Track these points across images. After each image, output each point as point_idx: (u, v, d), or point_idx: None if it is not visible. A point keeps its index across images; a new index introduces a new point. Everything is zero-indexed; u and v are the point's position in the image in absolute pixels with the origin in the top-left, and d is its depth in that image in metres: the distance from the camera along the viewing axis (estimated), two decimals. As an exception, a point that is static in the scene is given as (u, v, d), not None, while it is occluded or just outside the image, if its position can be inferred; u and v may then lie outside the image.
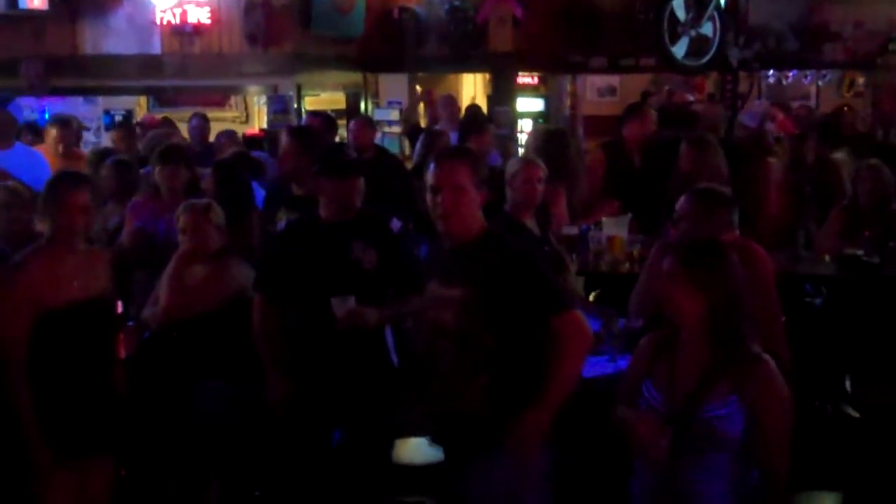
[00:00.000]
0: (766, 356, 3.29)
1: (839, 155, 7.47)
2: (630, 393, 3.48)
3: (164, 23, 10.11)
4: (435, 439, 3.89)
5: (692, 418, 3.23)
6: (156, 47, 10.27)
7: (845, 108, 10.50)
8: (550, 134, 7.12)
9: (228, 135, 8.54)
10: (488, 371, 3.58)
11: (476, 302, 3.54)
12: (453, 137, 7.98)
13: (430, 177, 3.64)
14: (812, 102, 13.81)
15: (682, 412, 3.25)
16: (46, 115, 11.42)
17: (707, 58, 9.48)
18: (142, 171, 6.55)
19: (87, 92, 11.41)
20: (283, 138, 5.71)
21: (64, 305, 3.92)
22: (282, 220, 5.33)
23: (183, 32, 10.14)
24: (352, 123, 8.42)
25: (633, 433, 3.32)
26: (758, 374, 3.24)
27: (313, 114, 7.91)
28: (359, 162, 4.70)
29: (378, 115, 12.10)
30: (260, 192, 6.10)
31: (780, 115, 12.05)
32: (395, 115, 12.38)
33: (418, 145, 8.30)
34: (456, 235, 3.65)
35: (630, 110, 7.49)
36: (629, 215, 6.39)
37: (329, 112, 9.82)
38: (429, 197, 3.64)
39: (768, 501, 3.26)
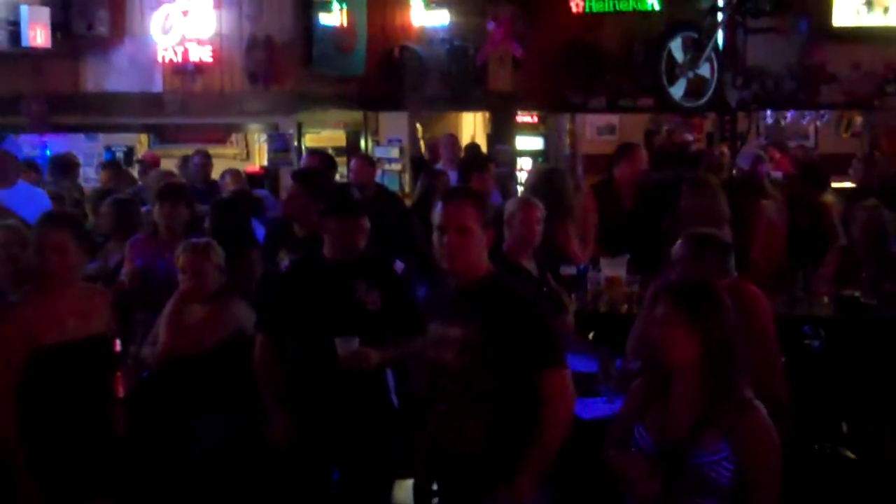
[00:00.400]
0: (758, 403, 3.29)
1: (829, 197, 7.50)
2: (621, 436, 3.49)
3: (166, 61, 10.17)
4: (421, 480, 3.87)
5: (682, 464, 3.24)
6: (157, 85, 10.32)
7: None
8: (549, 172, 7.16)
9: (233, 173, 8.57)
10: (487, 414, 3.58)
11: (479, 343, 3.55)
12: (453, 177, 8.02)
13: (436, 217, 3.66)
14: (810, 142, 13.90)
15: (672, 457, 3.26)
16: (48, 153, 11.51)
17: (705, 98, 9.53)
18: (143, 209, 6.59)
19: (88, 129, 11.48)
20: (289, 181, 5.75)
21: (58, 343, 3.91)
22: (284, 260, 5.35)
23: (185, 71, 10.19)
24: (353, 162, 8.45)
25: (623, 476, 3.35)
26: (749, 422, 3.24)
27: (312, 152, 7.93)
28: (363, 202, 4.72)
29: (378, 153, 12.16)
30: (260, 230, 6.12)
31: (778, 156, 12.14)
32: (395, 152, 12.45)
33: (418, 183, 8.34)
34: (462, 275, 3.67)
35: (620, 151, 7.53)
36: (627, 256, 6.41)
37: (328, 150, 9.88)
38: (435, 237, 3.66)
39: None
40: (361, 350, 4.19)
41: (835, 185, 11.21)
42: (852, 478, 4.27)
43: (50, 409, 3.92)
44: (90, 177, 11.59)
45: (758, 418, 3.25)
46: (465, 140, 13.08)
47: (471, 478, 3.60)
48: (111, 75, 10.34)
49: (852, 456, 4.34)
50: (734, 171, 8.49)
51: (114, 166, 10.24)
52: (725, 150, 8.82)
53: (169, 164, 10.22)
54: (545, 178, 6.86)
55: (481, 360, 3.56)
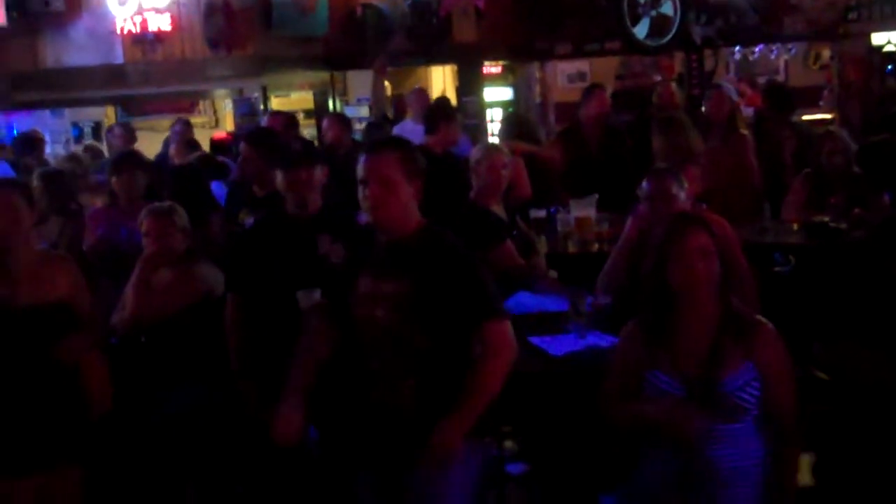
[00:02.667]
0: (765, 319, 3.40)
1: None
2: (625, 386, 3.47)
3: (125, 32, 10.06)
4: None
5: (715, 393, 3.27)
6: (118, 57, 10.22)
7: None
8: (520, 118, 7.20)
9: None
10: (419, 371, 3.49)
11: (411, 299, 3.44)
12: (421, 130, 7.96)
13: (359, 169, 3.52)
14: (780, 77, 13.89)
15: (703, 389, 3.28)
16: (14, 131, 11.40)
17: (669, 36, 9.52)
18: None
19: (51, 105, 11.37)
20: (241, 145, 5.72)
21: (13, 307, 3.83)
22: (247, 219, 5.32)
23: (144, 40, 10.09)
24: (325, 121, 8.39)
25: (664, 421, 3.31)
26: (765, 337, 3.35)
27: (274, 113, 7.87)
28: (313, 152, 4.67)
29: (348, 113, 12.07)
30: (223, 192, 6.09)
31: (749, 91, 12.14)
32: (364, 111, 12.39)
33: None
34: (387, 229, 3.54)
35: (584, 94, 7.59)
36: (596, 196, 6.41)
37: (297, 112, 9.83)
38: (360, 190, 3.52)
39: (789, 461, 3.38)
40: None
41: (807, 117, 11.26)
42: (825, 398, 4.28)
43: (9, 374, 3.85)
44: (60, 153, 11.50)
45: (770, 332, 3.37)
46: (434, 95, 13.01)
47: (403, 436, 3.51)
48: (71, 50, 10.22)
49: (824, 377, 4.35)
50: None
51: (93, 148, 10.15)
52: (674, 86, 8.76)
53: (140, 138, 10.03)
54: (517, 122, 6.90)
55: (414, 317, 3.45)
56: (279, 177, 4.47)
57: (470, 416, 3.42)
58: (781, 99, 7.74)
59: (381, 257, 3.56)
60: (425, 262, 3.45)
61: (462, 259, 3.52)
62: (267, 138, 5.79)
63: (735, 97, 8.56)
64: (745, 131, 7.29)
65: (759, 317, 3.40)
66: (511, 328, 3.52)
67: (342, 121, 8.24)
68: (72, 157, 8.60)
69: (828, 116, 11.63)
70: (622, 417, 3.47)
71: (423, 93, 10.17)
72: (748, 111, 9.84)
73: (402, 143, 3.74)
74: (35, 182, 6.25)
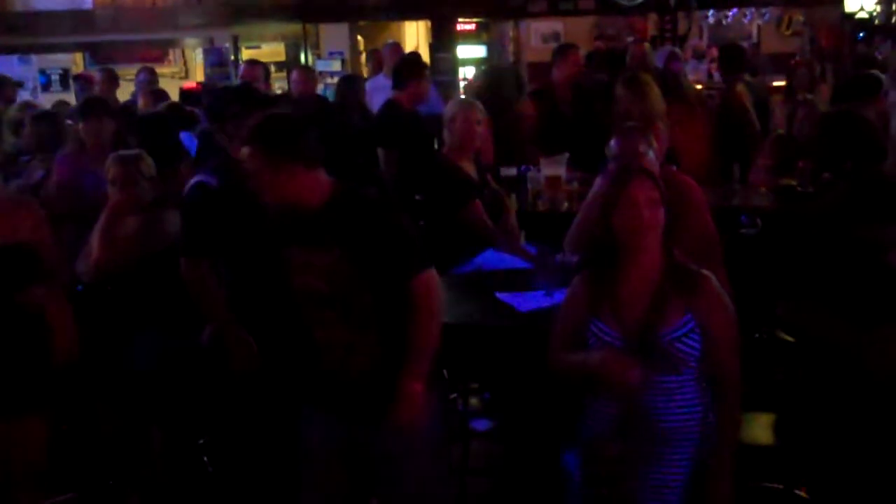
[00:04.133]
0: (708, 272, 3.39)
1: (739, 86, 7.51)
2: (571, 337, 3.49)
3: (95, -23, 9.92)
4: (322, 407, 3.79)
5: (653, 345, 3.29)
6: (87, 2, 10.08)
7: None
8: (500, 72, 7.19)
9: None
10: (371, 330, 3.50)
11: (345, 264, 3.45)
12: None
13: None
14: (753, 42, 13.90)
15: (641, 339, 3.30)
16: (-20, 77, 11.22)
17: (644, -3, 9.50)
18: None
19: (19, 50, 11.19)
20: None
21: None
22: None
23: (115, -14, 9.96)
24: (293, 73, 8.32)
25: (600, 372, 3.33)
26: (706, 289, 3.34)
27: (251, 63, 7.74)
28: (267, 101, 4.60)
29: (319, 66, 12.00)
30: (192, 143, 6.02)
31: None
32: (336, 65, 12.29)
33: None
34: (291, 206, 3.52)
35: (556, 53, 7.54)
36: (566, 155, 6.40)
37: (269, 65, 9.71)
38: None
39: (730, 414, 3.36)
40: None
41: (778, 83, 11.29)
42: (789, 360, 4.34)
43: None
44: (27, 100, 11.35)
45: (713, 285, 3.36)
46: (408, 50, 12.92)
47: (359, 397, 3.53)
48: (39, -7, 10.09)
49: (789, 339, 4.40)
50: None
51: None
52: (647, 45, 8.76)
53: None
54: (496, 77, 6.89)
55: (350, 283, 3.46)
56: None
57: (422, 371, 3.47)
58: (733, 58, 7.73)
59: (305, 227, 3.52)
60: (348, 227, 3.44)
61: (382, 216, 3.51)
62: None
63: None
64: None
65: (701, 269, 3.39)
66: (436, 276, 3.54)
67: (310, 75, 8.18)
68: (61, 103, 8.46)
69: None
70: (565, 368, 3.49)
71: (397, 47, 10.11)
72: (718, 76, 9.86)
73: (259, 133, 3.57)
74: (27, 125, 6.19)
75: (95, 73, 9.72)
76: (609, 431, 3.42)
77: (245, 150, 3.52)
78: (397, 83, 7.17)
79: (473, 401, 5.28)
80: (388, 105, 7.17)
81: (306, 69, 8.59)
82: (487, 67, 9.83)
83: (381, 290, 3.48)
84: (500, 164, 6.45)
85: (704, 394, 3.39)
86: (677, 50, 7.97)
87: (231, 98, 4.74)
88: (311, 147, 3.55)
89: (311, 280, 3.51)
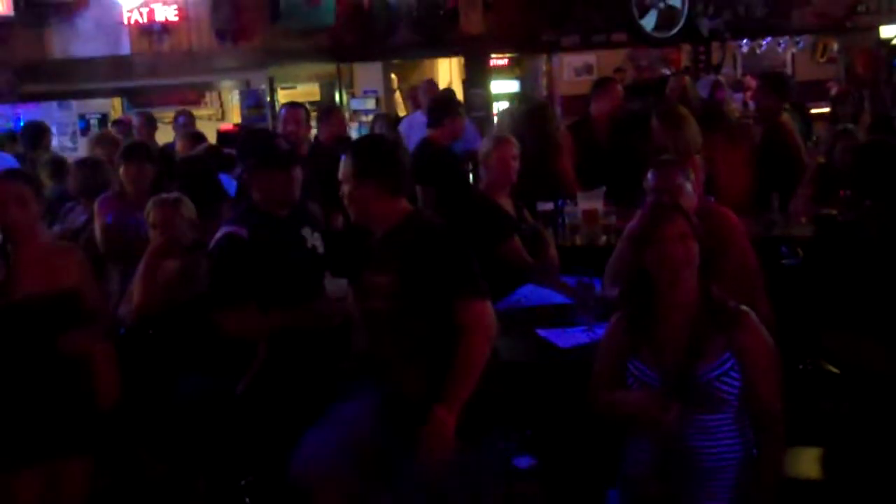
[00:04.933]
0: (748, 308, 3.37)
1: (785, 115, 7.45)
2: (612, 376, 3.47)
3: (132, 22, 10.10)
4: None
5: (692, 384, 3.26)
6: (125, 48, 10.25)
7: None
8: (532, 111, 7.19)
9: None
10: (423, 357, 3.58)
11: (399, 290, 3.55)
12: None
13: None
14: (788, 71, 13.85)
15: (680, 380, 3.27)
16: (21, 123, 11.39)
17: (676, 29, 9.49)
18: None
19: (58, 97, 11.36)
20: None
21: (23, 299, 3.82)
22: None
23: (151, 31, 10.14)
24: (323, 117, 8.28)
25: (638, 413, 3.31)
26: (746, 326, 3.32)
27: (293, 106, 7.78)
28: (293, 152, 4.67)
29: (354, 105, 12.10)
30: (232, 185, 6.07)
31: (755, 84, 12.08)
32: (370, 104, 12.38)
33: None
34: (365, 224, 3.73)
35: (596, 87, 7.52)
36: (603, 188, 6.39)
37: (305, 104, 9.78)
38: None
39: (773, 451, 3.33)
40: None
41: (815, 111, 11.22)
42: (835, 391, 4.28)
43: (15, 365, 3.82)
44: (66, 146, 11.52)
45: (752, 321, 3.34)
46: (441, 87, 12.99)
47: (411, 419, 3.56)
48: (77, 41, 10.26)
49: (834, 370, 4.34)
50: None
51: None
52: (688, 78, 8.75)
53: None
54: (528, 115, 6.90)
55: (406, 306, 3.55)
56: (266, 177, 4.40)
57: (457, 401, 3.49)
58: (778, 87, 7.67)
59: (376, 251, 3.69)
60: (407, 251, 3.56)
61: (439, 240, 3.62)
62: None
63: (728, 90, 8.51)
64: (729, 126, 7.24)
65: (741, 306, 3.37)
66: (491, 307, 3.60)
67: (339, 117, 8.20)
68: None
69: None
70: (605, 407, 3.47)
71: (432, 84, 10.16)
72: (753, 105, 9.82)
73: (354, 147, 3.87)
74: (72, 169, 6.29)
75: (133, 118, 9.85)
76: (649, 470, 3.39)
77: (341, 164, 3.71)
78: (432, 121, 7.21)
79: (516, 437, 5.23)
80: (425, 143, 7.21)
81: (335, 112, 8.48)
82: (523, 102, 9.82)
83: (435, 318, 3.54)
84: (538, 199, 6.43)
85: (745, 431, 3.36)
86: (721, 79, 7.93)
87: (248, 149, 4.79)
88: (398, 173, 3.70)
89: (373, 302, 3.65)
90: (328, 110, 8.57)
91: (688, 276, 3.34)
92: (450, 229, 3.73)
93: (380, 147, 3.88)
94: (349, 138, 8.35)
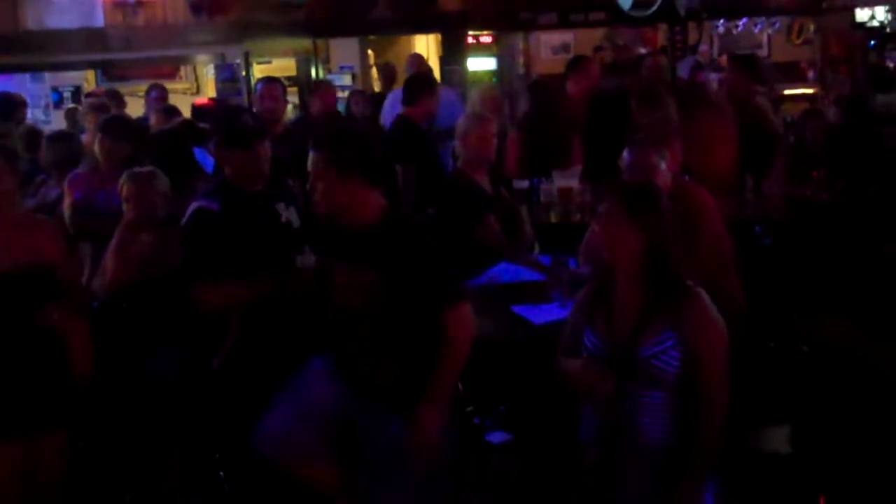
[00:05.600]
0: (700, 290, 3.35)
1: (760, 98, 7.47)
2: (571, 344, 3.53)
3: (107, -6, 9.97)
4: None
5: (631, 359, 3.29)
6: (99, 20, 10.12)
7: None
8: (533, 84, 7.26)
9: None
10: (398, 351, 3.66)
11: (382, 287, 3.58)
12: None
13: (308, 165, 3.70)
14: (763, 51, 13.88)
15: (621, 354, 3.31)
16: (-8, 94, 11.27)
17: (654, 8, 9.48)
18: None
19: (31, 69, 11.24)
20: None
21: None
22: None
23: (126, 4, 10.00)
24: (315, 90, 8.23)
25: (578, 381, 3.38)
26: (691, 307, 3.31)
27: (269, 81, 7.73)
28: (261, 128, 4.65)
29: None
30: (208, 159, 6.03)
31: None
32: (347, 79, 12.32)
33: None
34: (344, 221, 3.68)
35: (572, 65, 7.52)
36: (579, 167, 6.41)
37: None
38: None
39: (706, 434, 3.28)
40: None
41: (789, 91, 11.26)
42: (806, 369, 4.32)
43: None
44: (39, 118, 11.41)
45: (699, 303, 3.32)
46: (417, 64, 12.95)
47: (388, 405, 3.66)
48: (51, 12, 10.12)
49: (805, 349, 4.39)
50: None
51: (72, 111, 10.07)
52: (664, 58, 8.77)
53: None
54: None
55: (387, 303, 3.60)
56: (232, 154, 4.39)
57: (442, 399, 3.62)
58: (748, 68, 7.67)
59: (350, 245, 3.67)
60: (389, 251, 3.58)
61: (424, 241, 3.67)
62: None
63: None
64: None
65: (693, 287, 3.35)
66: (469, 309, 3.68)
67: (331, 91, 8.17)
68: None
69: (809, 91, 11.67)
70: (560, 375, 3.52)
71: (419, 58, 10.04)
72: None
73: (333, 142, 3.76)
74: (44, 143, 6.23)
75: (104, 91, 9.75)
76: (594, 438, 3.45)
77: (311, 156, 3.64)
78: (410, 99, 7.19)
79: (489, 413, 5.26)
80: (403, 121, 7.18)
81: (326, 86, 8.41)
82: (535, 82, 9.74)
83: (413, 315, 3.61)
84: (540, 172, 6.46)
85: (688, 410, 3.34)
86: (702, 60, 7.93)
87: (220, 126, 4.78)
88: (373, 164, 3.69)
89: (349, 296, 3.64)
90: (319, 84, 8.54)
91: (623, 255, 3.34)
92: (429, 226, 3.83)
93: (358, 138, 3.86)
94: (339, 113, 8.33)
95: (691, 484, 3.30)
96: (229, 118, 4.90)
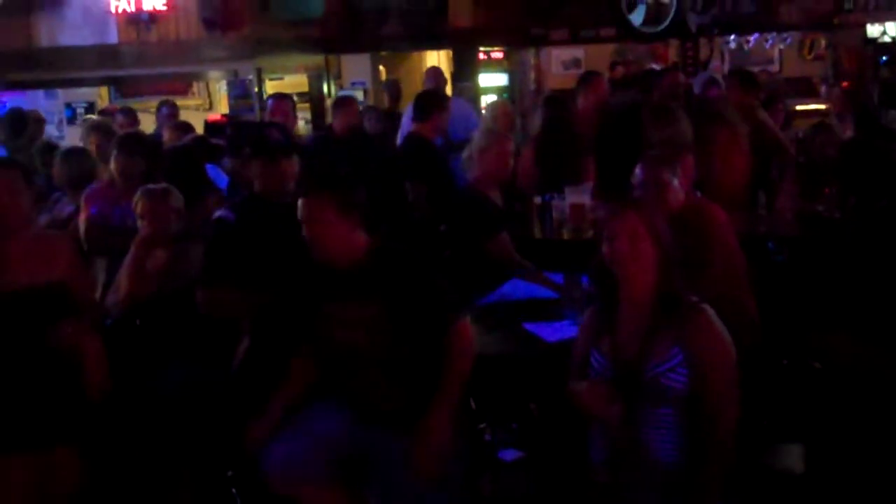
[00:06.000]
0: (705, 306, 3.34)
1: (762, 113, 7.46)
2: (580, 366, 3.52)
3: (120, 11, 10.04)
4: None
5: (638, 379, 3.28)
6: (112, 37, 10.20)
7: None
8: (548, 99, 7.27)
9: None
10: (406, 378, 3.71)
11: (384, 320, 3.63)
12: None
13: (299, 210, 3.71)
14: (775, 67, 13.88)
15: (628, 372, 3.30)
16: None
17: (665, 24, 9.50)
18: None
19: (45, 85, 11.30)
20: None
21: (12, 289, 3.78)
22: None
23: (139, 20, 10.08)
24: (337, 107, 8.25)
25: (585, 403, 3.37)
26: (698, 324, 3.30)
27: (280, 97, 7.75)
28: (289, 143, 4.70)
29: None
30: (220, 175, 6.05)
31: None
32: (359, 95, 12.34)
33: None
34: (331, 261, 3.70)
35: (582, 81, 7.55)
36: (590, 183, 6.40)
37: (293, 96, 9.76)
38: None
39: (714, 451, 3.26)
40: None
41: (801, 107, 11.25)
42: (819, 387, 4.31)
43: (3, 356, 3.80)
44: (53, 134, 11.45)
45: (705, 319, 3.31)
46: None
47: (399, 429, 3.68)
48: (64, 29, 10.22)
49: (818, 366, 4.37)
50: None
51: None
52: (681, 75, 8.76)
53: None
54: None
55: (389, 333, 3.65)
56: (257, 167, 4.50)
57: (449, 409, 3.65)
58: (746, 81, 7.65)
59: (339, 283, 3.69)
60: (385, 282, 3.64)
61: (418, 272, 3.73)
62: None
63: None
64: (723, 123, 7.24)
65: (699, 303, 3.35)
66: (469, 325, 3.76)
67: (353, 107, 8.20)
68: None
69: (822, 107, 11.65)
70: (571, 398, 3.49)
71: (439, 72, 10.04)
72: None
73: (334, 181, 3.82)
74: (57, 159, 6.25)
75: (116, 115, 9.78)
76: (603, 460, 3.43)
77: (306, 200, 3.66)
78: (421, 115, 7.21)
79: (501, 431, 5.25)
80: (414, 138, 7.20)
81: (349, 102, 8.41)
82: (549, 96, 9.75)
83: (416, 340, 3.68)
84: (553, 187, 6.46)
85: (697, 427, 3.32)
86: (717, 76, 7.93)
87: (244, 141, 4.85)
88: (362, 203, 3.75)
89: (350, 334, 3.68)
90: (341, 100, 8.55)
91: (636, 273, 3.34)
92: (419, 253, 3.84)
93: (349, 179, 3.90)
94: (363, 128, 8.34)
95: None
96: (257, 132, 4.96)
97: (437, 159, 7.11)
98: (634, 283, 3.36)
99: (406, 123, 8.59)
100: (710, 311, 3.34)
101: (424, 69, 13.97)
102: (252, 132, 5.23)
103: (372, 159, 7.32)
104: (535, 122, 7.67)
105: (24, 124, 8.59)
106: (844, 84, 10.51)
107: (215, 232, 4.48)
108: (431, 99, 7.48)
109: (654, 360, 3.28)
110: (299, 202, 3.70)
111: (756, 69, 13.05)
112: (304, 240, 4.27)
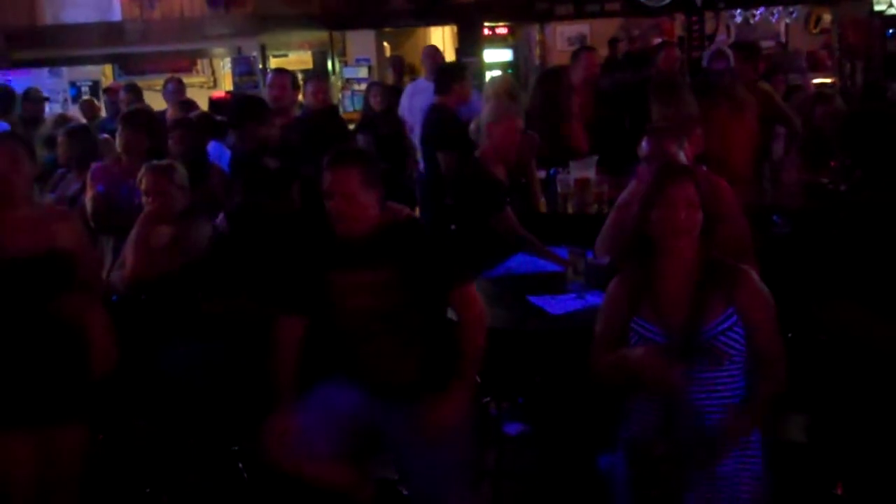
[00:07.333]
0: (746, 266, 3.45)
1: (765, 84, 7.43)
2: (612, 338, 3.48)
3: (123, -12, 10.00)
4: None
5: (696, 340, 3.30)
6: (116, 14, 10.17)
7: None
8: (543, 75, 7.24)
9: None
10: (418, 345, 3.74)
11: (397, 283, 3.66)
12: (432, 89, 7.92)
13: (324, 181, 3.71)
14: (781, 41, 13.83)
15: (684, 335, 3.31)
16: (11, 90, 11.30)
17: (669, -2, 9.46)
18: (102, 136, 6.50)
19: (49, 63, 11.28)
20: None
21: (12, 257, 3.73)
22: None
23: (142, -3, 10.05)
24: (308, 85, 8.23)
25: (643, 369, 3.31)
26: (746, 282, 3.38)
27: (279, 72, 7.71)
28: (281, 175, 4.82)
29: (347, 74, 12.06)
30: (225, 153, 6.06)
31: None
32: (363, 72, 12.33)
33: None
34: (350, 231, 3.72)
35: (572, 57, 7.55)
36: (595, 157, 6.39)
37: (296, 73, 9.72)
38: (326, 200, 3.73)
39: (763, 393, 3.37)
40: None
41: (817, 80, 11.18)
42: (825, 359, 4.31)
43: (3, 326, 3.77)
44: (57, 112, 11.45)
45: (752, 278, 3.41)
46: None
47: (410, 402, 3.69)
48: (68, 7, 10.19)
49: (823, 338, 4.37)
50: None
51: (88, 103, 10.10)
52: (677, 49, 8.71)
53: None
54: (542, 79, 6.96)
55: (404, 298, 3.68)
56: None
57: (472, 375, 3.72)
58: (748, 54, 7.60)
59: (353, 252, 3.71)
60: (403, 246, 3.69)
61: (428, 239, 3.82)
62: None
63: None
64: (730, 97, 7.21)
65: (741, 265, 3.43)
66: (475, 289, 3.82)
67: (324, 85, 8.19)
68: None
69: (827, 80, 11.60)
70: (606, 369, 3.46)
71: (435, 49, 10.05)
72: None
73: (361, 156, 3.89)
74: (61, 137, 6.27)
75: (120, 91, 9.76)
76: (653, 431, 3.38)
77: (333, 172, 3.68)
78: (442, 88, 7.25)
79: (506, 404, 5.27)
80: (438, 108, 7.24)
81: (320, 79, 8.39)
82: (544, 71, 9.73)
83: (429, 306, 3.74)
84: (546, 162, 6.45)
85: (750, 385, 3.39)
86: (726, 49, 7.87)
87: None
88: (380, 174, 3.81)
89: (364, 300, 3.69)
90: (311, 78, 8.51)
91: (688, 242, 3.38)
92: (428, 230, 4.02)
93: (368, 152, 4.07)
94: (335, 107, 8.34)
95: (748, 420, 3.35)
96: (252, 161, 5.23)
97: (462, 129, 7.10)
98: (682, 252, 3.39)
99: (407, 99, 8.60)
100: (753, 272, 3.43)
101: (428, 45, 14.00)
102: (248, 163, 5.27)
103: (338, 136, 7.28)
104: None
105: (11, 102, 8.53)
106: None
107: (214, 242, 4.72)
108: (451, 71, 7.65)
109: (711, 322, 3.31)
110: (325, 174, 3.71)
111: (763, 43, 13.05)
112: (302, 240, 4.32)
